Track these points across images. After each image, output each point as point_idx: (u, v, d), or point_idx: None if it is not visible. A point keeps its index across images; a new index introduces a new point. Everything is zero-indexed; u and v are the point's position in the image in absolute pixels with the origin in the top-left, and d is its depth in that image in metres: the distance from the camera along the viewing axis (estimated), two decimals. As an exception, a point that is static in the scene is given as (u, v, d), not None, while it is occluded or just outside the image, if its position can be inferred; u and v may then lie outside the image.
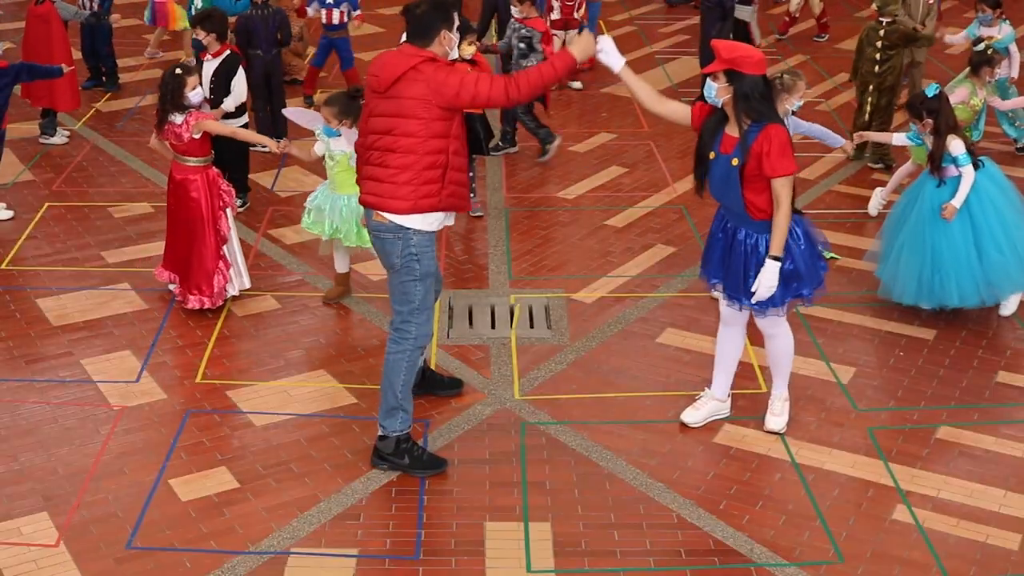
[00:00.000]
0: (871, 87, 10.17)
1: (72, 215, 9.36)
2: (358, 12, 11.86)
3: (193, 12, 11.22)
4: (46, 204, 9.56)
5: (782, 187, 5.85)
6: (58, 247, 8.81)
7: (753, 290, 5.97)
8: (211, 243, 7.69)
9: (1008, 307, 7.79)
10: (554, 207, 9.64)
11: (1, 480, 6.08)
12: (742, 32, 12.92)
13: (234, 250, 7.87)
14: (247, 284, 7.97)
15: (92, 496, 5.95)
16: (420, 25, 5.77)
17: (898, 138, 8.48)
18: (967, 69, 9.43)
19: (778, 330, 6.34)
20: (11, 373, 7.11)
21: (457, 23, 5.86)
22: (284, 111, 8.51)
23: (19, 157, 10.47)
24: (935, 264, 7.50)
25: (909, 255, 7.61)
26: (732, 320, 6.41)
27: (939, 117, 7.47)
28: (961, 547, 5.66)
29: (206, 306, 7.74)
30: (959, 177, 7.46)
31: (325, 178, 7.90)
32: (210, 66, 9.00)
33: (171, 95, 7.56)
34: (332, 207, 7.70)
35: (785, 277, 6.00)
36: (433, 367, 7.06)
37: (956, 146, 7.44)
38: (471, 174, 9.07)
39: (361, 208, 7.61)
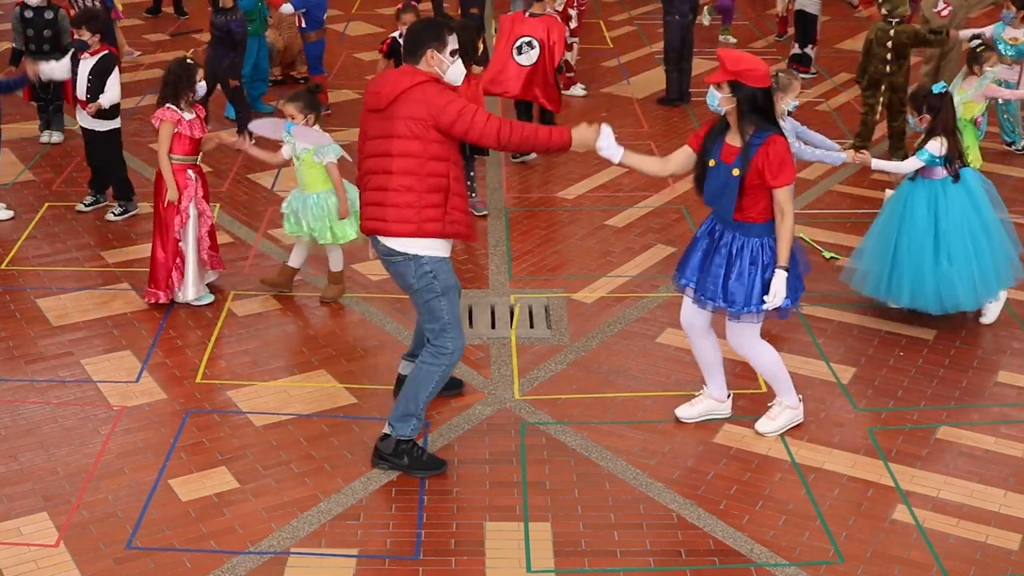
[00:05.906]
0: (883, 87, 10.18)
1: (72, 215, 9.36)
2: (292, 12, 11.43)
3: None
4: (46, 204, 9.57)
5: (784, 196, 5.86)
6: (58, 247, 8.81)
7: (766, 300, 5.95)
8: (164, 238, 7.71)
9: (988, 316, 7.70)
10: (554, 207, 9.64)
11: (1, 480, 6.08)
12: (811, 24, 12.91)
13: (188, 258, 7.77)
14: (190, 297, 7.82)
15: (92, 496, 5.95)
16: (410, 40, 5.69)
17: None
18: (964, 68, 9.42)
19: (749, 351, 6.33)
20: (11, 373, 7.11)
21: (452, 47, 5.68)
22: (250, 125, 8.05)
23: (19, 157, 10.48)
24: (895, 260, 7.48)
25: (874, 247, 7.62)
26: (693, 326, 6.38)
27: (937, 116, 7.38)
28: (961, 547, 5.65)
29: (160, 300, 7.77)
30: (943, 181, 7.37)
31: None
32: (87, 64, 9.00)
33: (185, 82, 7.61)
34: (304, 208, 7.72)
35: (766, 286, 6.01)
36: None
37: (932, 144, 7.33)
38: (471, 173, 9.08)
39: (332, 204, 7.65)
